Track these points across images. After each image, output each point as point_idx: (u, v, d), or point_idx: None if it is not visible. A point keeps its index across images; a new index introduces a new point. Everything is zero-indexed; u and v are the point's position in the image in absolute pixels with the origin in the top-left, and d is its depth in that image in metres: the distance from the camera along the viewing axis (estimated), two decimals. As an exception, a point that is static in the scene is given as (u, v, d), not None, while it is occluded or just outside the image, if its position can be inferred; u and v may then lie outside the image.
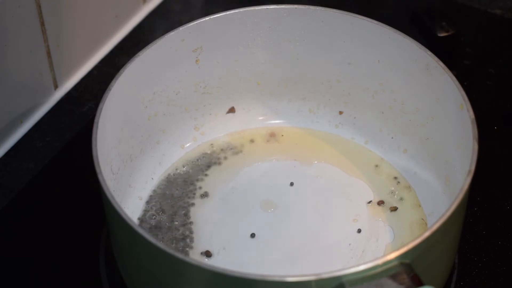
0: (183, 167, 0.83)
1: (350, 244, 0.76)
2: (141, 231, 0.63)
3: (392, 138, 0.84)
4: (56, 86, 0.92)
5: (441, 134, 0.78)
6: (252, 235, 0.77)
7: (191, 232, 0.77)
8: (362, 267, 0.60)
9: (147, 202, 0.80)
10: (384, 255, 0.61)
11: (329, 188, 0.81)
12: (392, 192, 0.80)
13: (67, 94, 0.93)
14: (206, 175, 0.82)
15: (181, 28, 0.79)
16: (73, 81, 0.94)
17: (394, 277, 0.61)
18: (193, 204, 0.80)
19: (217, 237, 0.77)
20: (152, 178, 0.82)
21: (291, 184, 0.81)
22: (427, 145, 0.80)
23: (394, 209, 0.79)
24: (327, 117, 0.86)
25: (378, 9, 1.01)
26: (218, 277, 0.61)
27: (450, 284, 0.75)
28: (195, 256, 0.75)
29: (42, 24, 0.86)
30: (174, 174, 0.82)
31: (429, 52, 0.76)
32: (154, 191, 0.81)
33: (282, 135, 0.86)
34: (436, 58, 0.75)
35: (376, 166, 0.83)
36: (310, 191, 0.81)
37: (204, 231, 0.77)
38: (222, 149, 0.84)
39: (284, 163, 0.83)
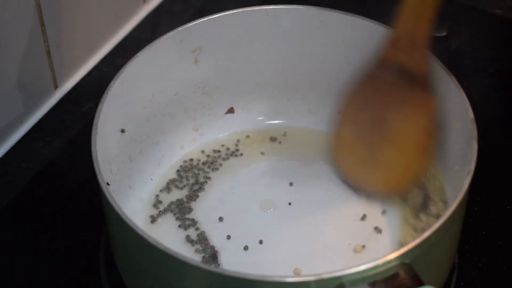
0: (183, 167, 0.83)
1: (350, 244, 0.76)
2: (141, 231, 0.63)
3: (392, 138, 0.83)
4: (56, 86, 0.92)
5: (441, 134, 0.77)
6: (252, 236, 0.77)
7: (191, 232, 0.77)
8: (362, 267, 0.60)
9: (147, 203, 0.80)
10: (384, 255, 0.61)
11: (329, 188, 0.81)
12: (392, 192, 0.80)
13: (67, 94, 0.93)
14: (205, 175, 0.82)
15: (179, 29, 0.79)
16: (73, 81, 0.94)
17: (394, 277, 0.61)
18: (192, 204, 0.80)
19: (217, 237, 0.77)
20: (152, 179, 0.81)
21: (291, 184, 0.81)
22: (427, 145, 0.80)
23: (396, 202, 0.79)
24: (327, 117, 0.86)
25: (378, 9, 1.01)
26: (218, 277, 0.61)
27: (450, 284, 0.75)
28: (195, 256, 0.75)
29: (42, 24, 0.86)
30: (173, 175, 0.82)
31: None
32: (154, 191, 0.81)
33: (282, 135, 0.86)
34: (436, 58, 0.75)
35: (376, 166, 0.83)
36: (310, 191, 0.81)
37: (204, 231, 0.77)
38: (221, 150, 0.84)
39: (284, 163, 0.83)
